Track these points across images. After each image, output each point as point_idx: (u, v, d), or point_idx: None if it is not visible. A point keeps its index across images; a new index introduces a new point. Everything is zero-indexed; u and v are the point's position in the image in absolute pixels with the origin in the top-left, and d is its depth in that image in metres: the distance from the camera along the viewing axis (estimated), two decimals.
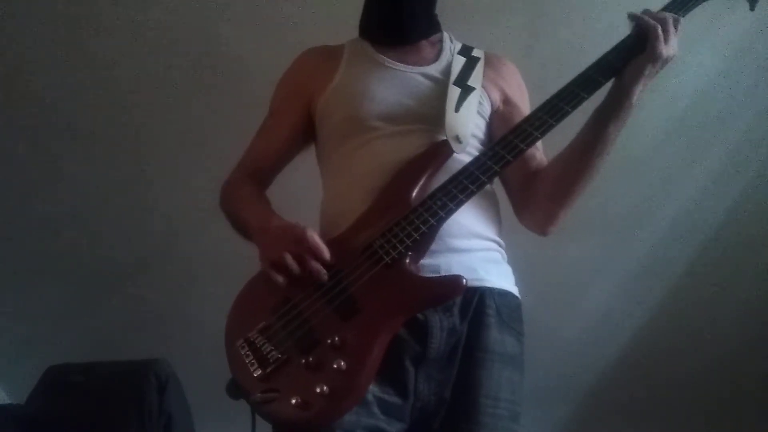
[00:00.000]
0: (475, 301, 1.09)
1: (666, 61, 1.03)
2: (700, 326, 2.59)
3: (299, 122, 1.30)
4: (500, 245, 1.21)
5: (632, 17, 1.05)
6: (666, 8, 1.08)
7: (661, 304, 2.60)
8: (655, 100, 2.14)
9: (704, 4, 1.11)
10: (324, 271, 1.02)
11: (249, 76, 2.21)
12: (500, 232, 1.22)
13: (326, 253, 1.02)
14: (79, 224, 2.48)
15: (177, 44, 2.21)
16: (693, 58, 2.16)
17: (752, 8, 1.19)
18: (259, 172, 1.32)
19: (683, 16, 1.07)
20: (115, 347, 2.38)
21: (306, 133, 1.31)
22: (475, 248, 1.13)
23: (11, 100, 2.28)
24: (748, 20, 2.04)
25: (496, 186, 1.22)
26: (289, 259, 1.01)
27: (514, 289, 1.18)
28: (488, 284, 1.11)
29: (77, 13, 2.14)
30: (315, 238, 1.03)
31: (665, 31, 1.02)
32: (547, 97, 1.08)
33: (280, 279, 1.02)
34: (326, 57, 1.31)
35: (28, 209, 2.45)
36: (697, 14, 1.11)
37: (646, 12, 1.06)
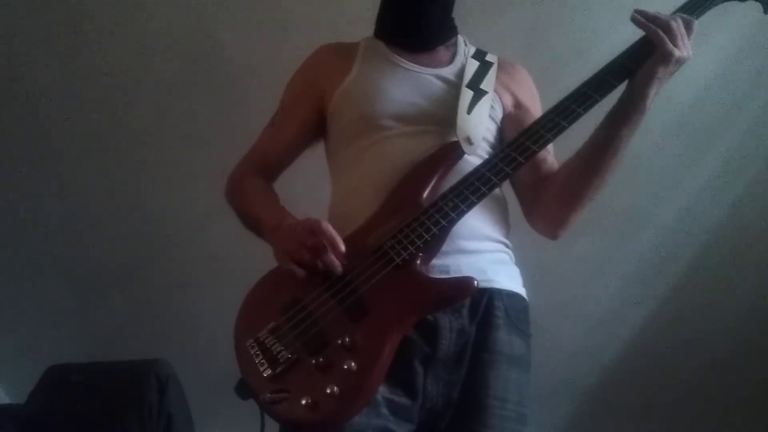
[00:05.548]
0: (484, 303, 1.09)
1: (678, 62, 1.02)
2: (701, 326, 2.59)
3: (310, 118, 1.29)
4: (508, 246, 1.21)
5: (635, 21, 1.04)
6: (678, 11, 1.07)
7: (662, 305, 2.60)
8: (655, 100, 2.14)
9: (715, 6, 1.10)
10: (338, 263, 1.00)
11: (247, 79, 2.20)
12: (508, 234, 1.22)
13: (341, 244, 1.01)
14: (79, 225, 2.48)
15: (175, 45, 2.20)
16: (693, 58, 2.16)
17: (767, 11, 1.17)
18: (266, 166, 1.31)
19: (697, 19, 1.05)
20: (115, 347, 2.38)
21: (316, 129, 1.31)
22: (484, 250, 1.13)
23: (11, 101, 2.27)
24: (747, 21, 2.04)
25: (506, 188, 1.21)
26: (307, 250, 1.00)
27: (522, 291, 1.18)
28: (497, 285, 1.11)
29: (76, 14, 2.13)
30: (330, 228, 1.01)
31: (669, 33, 1.00)
32: (547, 96, 1.07)
33: (299, 271, 1.01)
34: (340, 54, 1.31)
35: (28, 210, 2.44)
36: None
37: (649, 16, 1.03)
